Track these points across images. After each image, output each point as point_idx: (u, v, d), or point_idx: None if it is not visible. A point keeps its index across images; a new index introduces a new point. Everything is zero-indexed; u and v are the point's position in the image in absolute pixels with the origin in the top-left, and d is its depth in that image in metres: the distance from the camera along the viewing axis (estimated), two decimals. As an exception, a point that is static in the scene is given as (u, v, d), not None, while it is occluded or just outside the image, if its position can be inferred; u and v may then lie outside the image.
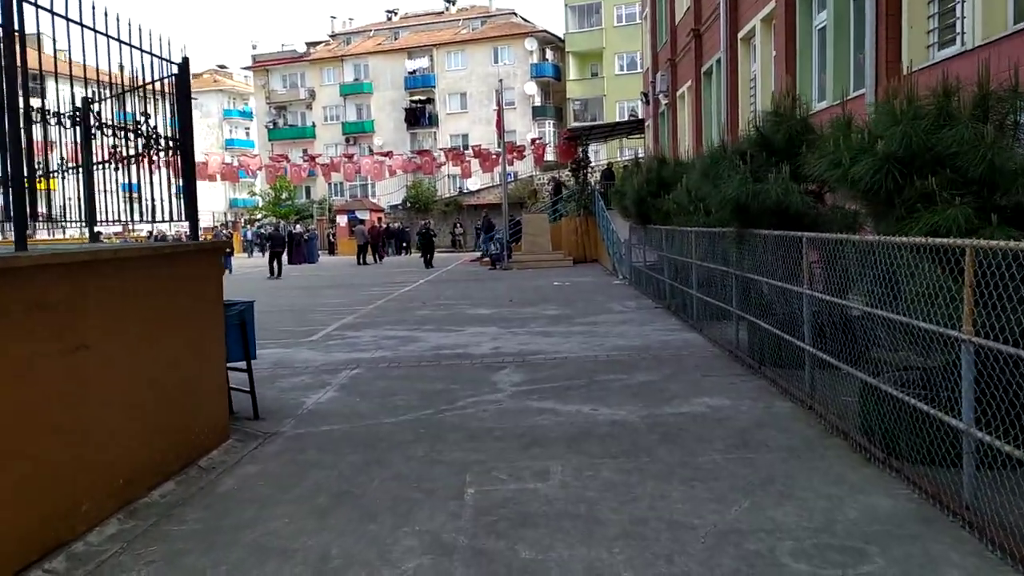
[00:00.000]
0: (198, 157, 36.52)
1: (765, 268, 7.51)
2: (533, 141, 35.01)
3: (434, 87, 62.09)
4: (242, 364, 6.94)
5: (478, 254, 37.85)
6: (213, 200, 70.92)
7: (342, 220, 46.29)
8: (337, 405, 7.27)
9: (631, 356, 9.18)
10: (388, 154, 36.29)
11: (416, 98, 62.77)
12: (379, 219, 45.34)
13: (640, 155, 38.10)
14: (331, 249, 46.14)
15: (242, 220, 59.84)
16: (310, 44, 69.28)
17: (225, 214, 56.72)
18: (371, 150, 48.38)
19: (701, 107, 19.20)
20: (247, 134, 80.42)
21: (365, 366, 9.16)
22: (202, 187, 47.64)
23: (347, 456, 5.62)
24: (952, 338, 3.95)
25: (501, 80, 29.77)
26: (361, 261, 33.40)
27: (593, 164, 33.32)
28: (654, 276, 15.31)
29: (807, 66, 12.30)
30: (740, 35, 16.04)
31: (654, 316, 12.79)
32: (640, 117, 34.87)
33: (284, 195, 59.87)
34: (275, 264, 26.35)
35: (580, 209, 29.38)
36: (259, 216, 59.31)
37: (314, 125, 65.85)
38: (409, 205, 52.44)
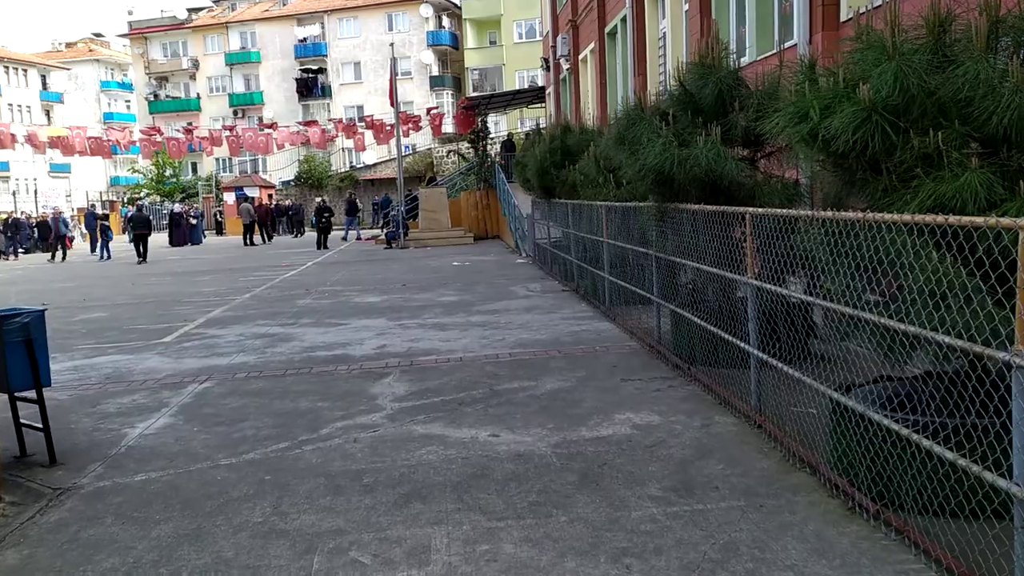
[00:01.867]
0: (67, 131, 33.28)
1: (695, 250, 6.28)
2: (429, 111, 33.27)
3: (326, 56, 59.21)
4: (33, 393, 5.27)
5: (373, 232, 36.05)
6: (91, 178, 66.27)
7: (229, 198, 43.38)
8: (167, 438, 5.68)
9: (538, 355, 7.86)
10: (273, 125, 33.89)
11: (307, 67, 59.74)
12: (269, 196, 42.72)
13: (542, 125, 36.92)
14: (219, 229, 43.30)
15: (123, 199, 55.88)
16: (191, 10, 65.06)
17: (101, 193, 52.67)
18: (261, 122, 45.48)
19: (605, 71, 18.00)
20: (128, 107, 75.39)
21: (219, 377, 7.54)
22: (77, 164, 44.13)
23: (155, 527, 4.09)
24: (1002, 362, 2.73)
25: (392, 44, 27.91)
26: (248, 242, 31.09)
27: (493, 135, 31.86)
28: (560, 255, 14.08)
29: (724, 19, 11.15)
30: (646, -9, 14.87)
31: (561, 301, 11.53)
32: (541, 85, 33.58)
33: (168, 172, 56.13)
34: (140, 247, 23.94)
35: (480, 183, 27.95)
36: (141, 195, 55.43)
37: (199, 97, 61.98)
38: (302, 181, 49.81)
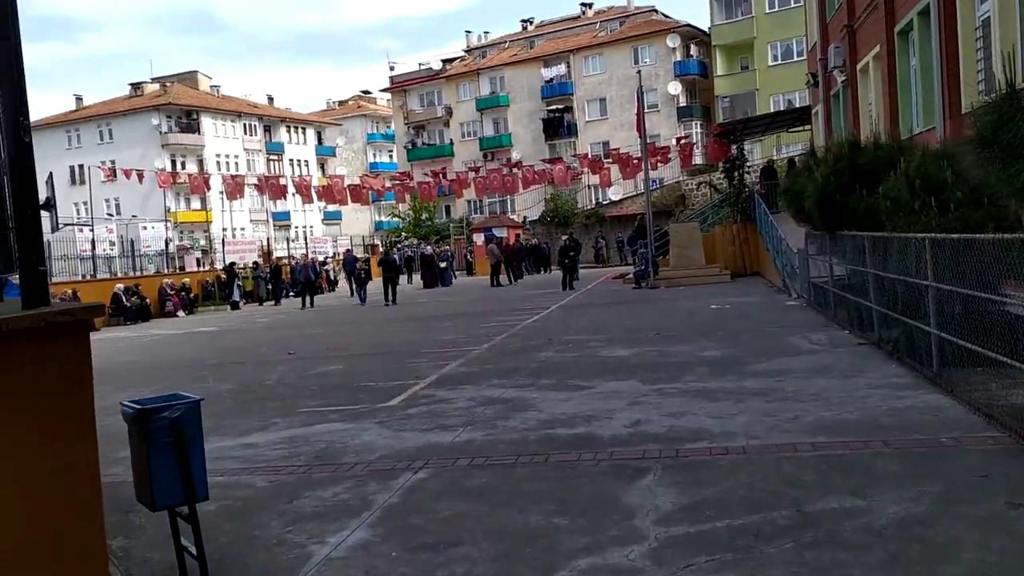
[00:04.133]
0: (326, 181, 35.13)
1: None
2: (678, 140, 31.30)
3: (572, 95, 59.19)
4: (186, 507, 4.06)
5: (622, 270, 34.48)
6: (359, 225, 71.17)
7: (479, 238, 44.03)
8: (355, 569, 4.26)
9: (853, 447, 5.68)
10: (518, 165, 33.55)
11: (554, 107, 60.07)
12: (517, 236, 42.73)
13: (804, 149, 33.40)
14: (469, 269, 43.98)
15: (385, 243, 59.05)
16: (446, 61, 68.14)
17: (364, 238, 55.93)
18: (508, 162, 45.85)
19: (895, 76, 15.13)
20: (391, 157, 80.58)
21: (437, 464, 6.13)
22: (347, 212, 46.92)
23: None
24: None
25: (640, 71, 26.34)
26: (495, 283, 30.75)
27: (750, 164, 29.18)
28: (848, 298, 11.54)
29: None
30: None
31: (861, 360, 9.09)
32: (803, 106, 30.44)
33: (424, 215, 58.51)
34: (389, 290, 24.01)
35: (737, 215, 25.46)
36: (400, 238, 58.22)
37: (452, 143, 64.44)
38: (548, 219, 49.60)
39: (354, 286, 27.41)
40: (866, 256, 9.95)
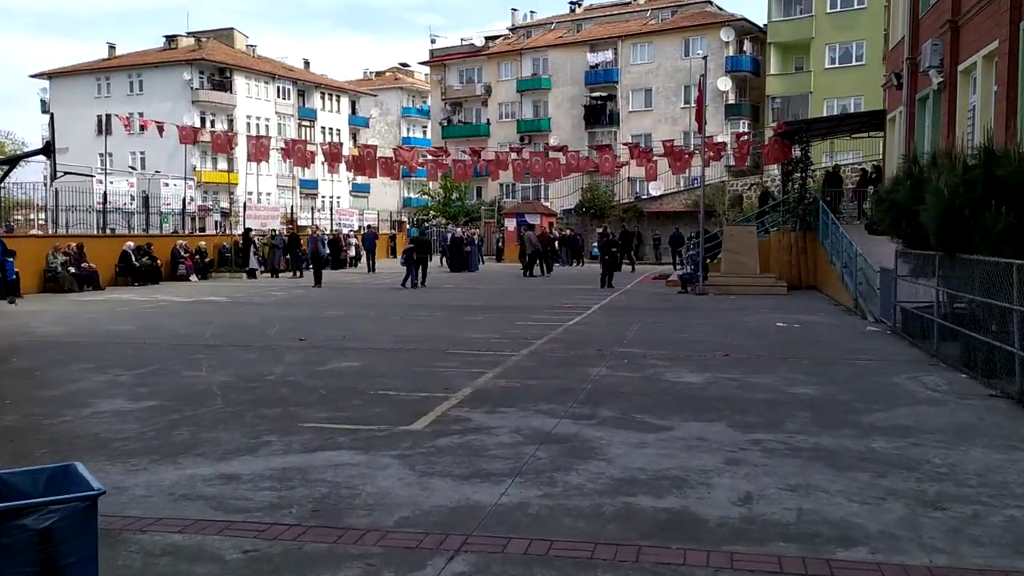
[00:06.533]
0: (355, 151, 33.47)
1: None
2: (738, 136, 29.23)
3: (617, 83, 57.02)
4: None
5: (660, 270, 32.57)
6: (387, 199, 69.53)
7: (510, 224, 42.23)
8: None
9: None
10: (563, 149, 31.60)
11: (597, 94, 57.94)
12: (550, 224, 40.87)
13: (857, 157, 31.18)
14: (498, 256, 42.20)
15: (412, 220, 57.28)
16: (489, 38, 66.05)
17: (392, 213, 54.23)
18: (547, 146, 43.84)
19: (1018, 79, 13.12)
20: (424, 133, 78.80)
21: (481, 545, 4.35)
22: (376, 185, 45.74)
23: None
24: None
25: (705, 58, 24.23)
26: (528, 273, 28.93)
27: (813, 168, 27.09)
28: (969, 335, 9.61)
29: None
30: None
31: (1009, 420, 7.22)
32: (872, 110, 28.23)
33: (454, 195, 56.63)
34: (420, 272, 22.26)
35: (796, 222, 23.47)
36: (428, 216, 56.43)
37: (488, 123, 62.46)
38: (583, 210, 47.63)
39: (405, 268, 24.79)
40: (1013, 289, 8.03)
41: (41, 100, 70.78)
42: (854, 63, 49.55)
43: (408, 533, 4.53)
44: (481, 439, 6.56)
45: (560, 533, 4.53)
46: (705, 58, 23.91)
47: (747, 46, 54.56)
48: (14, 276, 18.72)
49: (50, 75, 66.06)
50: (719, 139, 33.61)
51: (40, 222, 33.30)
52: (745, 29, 54.26)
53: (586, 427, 6.95)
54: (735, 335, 13.15)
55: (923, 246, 11.22)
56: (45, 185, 28.26)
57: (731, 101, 53.21)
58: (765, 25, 53.14)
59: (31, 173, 36.13)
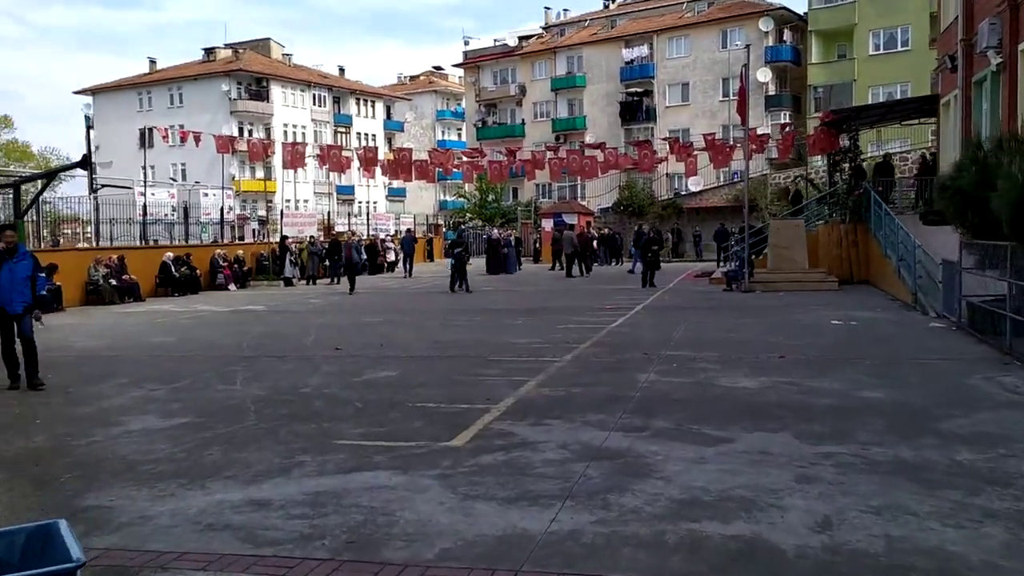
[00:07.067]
0: (390, 155, 33.31)
1: None
2: (782, 128, 28.44)
3: (652, 78, 56.18)
4: None
5: (701, 266, 31.83)
6: (423, 203, 69.45)
7: (547, 224, 41.71)
8: None
9: None
10: (600, 146, 31.05)
11: (632, 90, 57.14)
12: (588, 224, 40.26)
13: (904, 146, 30.09)
14: (536, 256, 41.73)
15: (449, 223, 57.07)
16: (522, 38, 65.62)
17: (428, 217, 54.03)
18: (584, 144, 43.22)
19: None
20: (459, 135, 78.61)
21: (530, 583, 3.92)
22: (412, 189, 45.73)
23: None
24: None
25: (747, 47, 23.49)
26: (568, 273, 28.42)
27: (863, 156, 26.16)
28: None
29: None
30: None
31: (1107, 425, 6.59)
32: (922, 95, 27.21)
33: (490, 196, 56.25)
34: (461, 276, 21.92)
35: (846, 214, 22.66)
36: (465, 219, 56.15)
37: (523, 123, 61.98)
38: (621, 208, 46.90)
39: (452, 271, 24.21)
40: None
41: (85, 116, 71.98)
42: (899, 48, 48.13)
43: (451, 569, 4.11)
44: (526, 456, 6.11)
45: (620, 567, 4.07)
46: (747, 47, 23.13)
47: (787, 35, 53.39)
48: (44, 292, 18.66)
49: (93, 91, 67.11)
50: (760, 131, 32.83)
51: (87, 235, 33.67)
52: (784, 18, 53.10)
53: (639, 440, 6.47)
54: (788, 334, 12.53)
55: (991, 235, 10.53)
56: (90, 199, 28.49)
57: (771, 92, 52.07)
58: (805, 13, 51.93)
59: (76, 187, 36.58)
